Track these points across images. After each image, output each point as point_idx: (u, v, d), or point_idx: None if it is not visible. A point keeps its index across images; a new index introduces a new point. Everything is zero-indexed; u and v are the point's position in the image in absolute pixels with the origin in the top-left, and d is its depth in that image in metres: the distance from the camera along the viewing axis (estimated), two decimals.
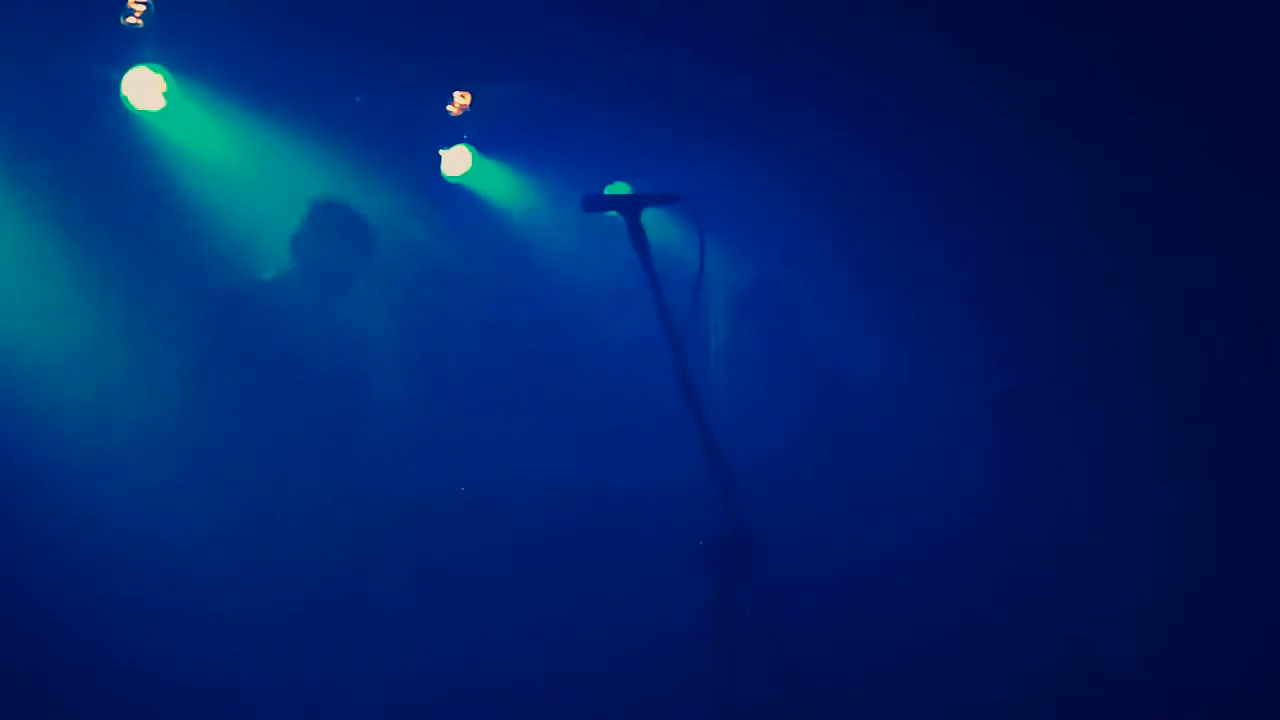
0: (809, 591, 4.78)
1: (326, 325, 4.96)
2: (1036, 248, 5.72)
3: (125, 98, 5.22)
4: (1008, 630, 4.99)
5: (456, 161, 6.16)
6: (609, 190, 6.23)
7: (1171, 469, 5.30)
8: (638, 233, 3.13)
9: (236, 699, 4.58)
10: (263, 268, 5.13)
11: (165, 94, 5.23)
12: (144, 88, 5.20)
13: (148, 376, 5.25)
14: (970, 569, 5.22)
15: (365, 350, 5.12)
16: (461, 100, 5.96)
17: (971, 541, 5.21)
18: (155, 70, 5.20)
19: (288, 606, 4.48)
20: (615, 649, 5.01)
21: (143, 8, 4.99)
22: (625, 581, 5.17)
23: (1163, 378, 5.37)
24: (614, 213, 3.21)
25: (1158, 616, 5.13)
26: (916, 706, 5.03)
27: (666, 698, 4.73)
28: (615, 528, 5.28)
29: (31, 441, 4.97)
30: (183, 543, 4.74)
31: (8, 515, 4.86)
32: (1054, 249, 5.68)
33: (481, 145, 6.18)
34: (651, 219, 3.17)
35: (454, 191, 6.28)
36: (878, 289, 6.43)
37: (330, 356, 4.92)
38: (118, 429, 5.10)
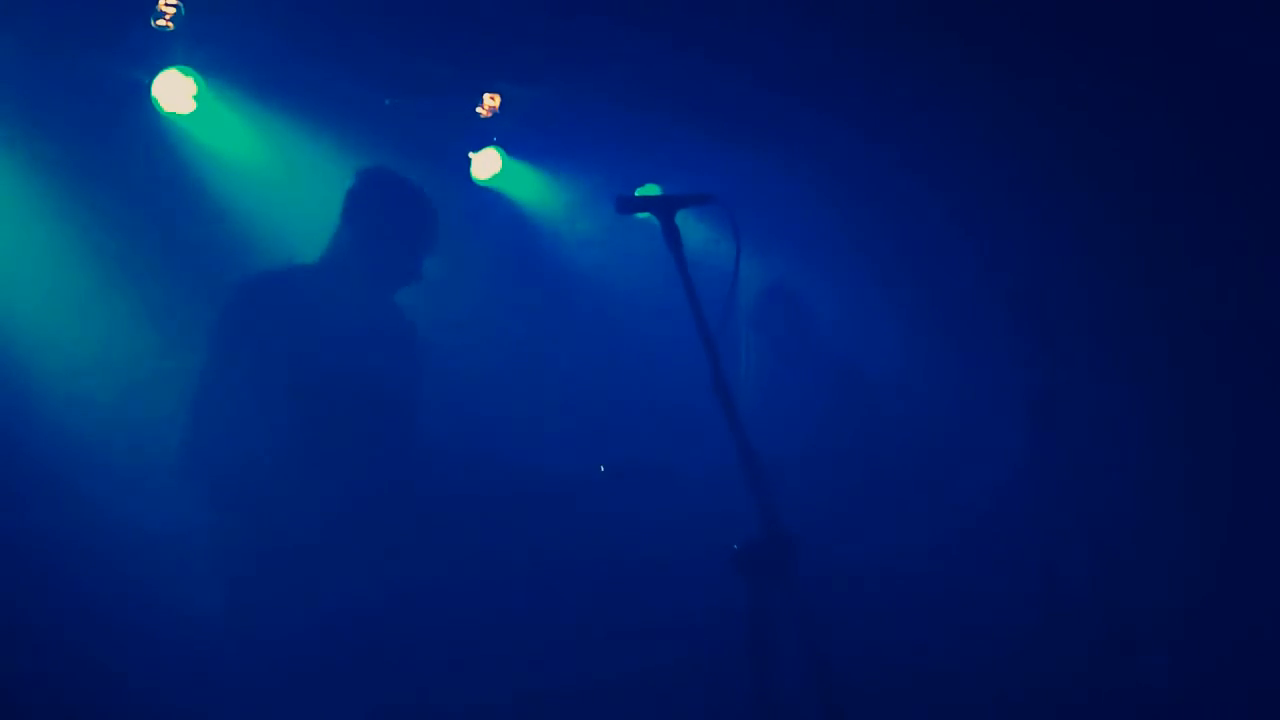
0: (842, 594, 4.76)
1: (372, 322, 4.31)
2: (1064, 247, 5.70)
3: (155, 100, 5.22)
4: (1042, 634, 4.96)
5: (486, 164, 6.14)
6: (640, 192, 6.22)
7: (1207, 471, 5.27)
8: (671, 233, 3.11)
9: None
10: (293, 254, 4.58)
11: (195, 97, 5.23)
12: (174, 90, 5.20)
13: (175, 374, 5.25)
14: (1004, 572, 5.19)
15: (413, 347, 4.53)
16: (491, 102, 5.95)
17: (1005, 543, 5.17)
18: (185, 73, 5.20)
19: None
20: (649, 651, 4.99)
21: (173, 10, 4.99)
22: (658, 584, 5.15)
23: (1197, 378, 5.33)
24: (647, 214, 3.20)
25: (1193, 620, 5.09)
26: (946, 708, 5.01)
27: (700, 698, 4.72)
28: (647, 530, 5.25)
29: (52, 442, 4.98)
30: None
31: (30, 518, 4.87)
32: (1081, 248, 5.66)
33: (511, 148, 6.17)
34: (685, 220, 3.14)
35: (484, 194, 6.26)
36: (907, 292, 6.41)
37: (376, 357, 4.30)
38: (142, 429, 5.11)
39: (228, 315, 4.09)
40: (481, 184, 6.20)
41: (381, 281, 4.33)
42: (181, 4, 5.01)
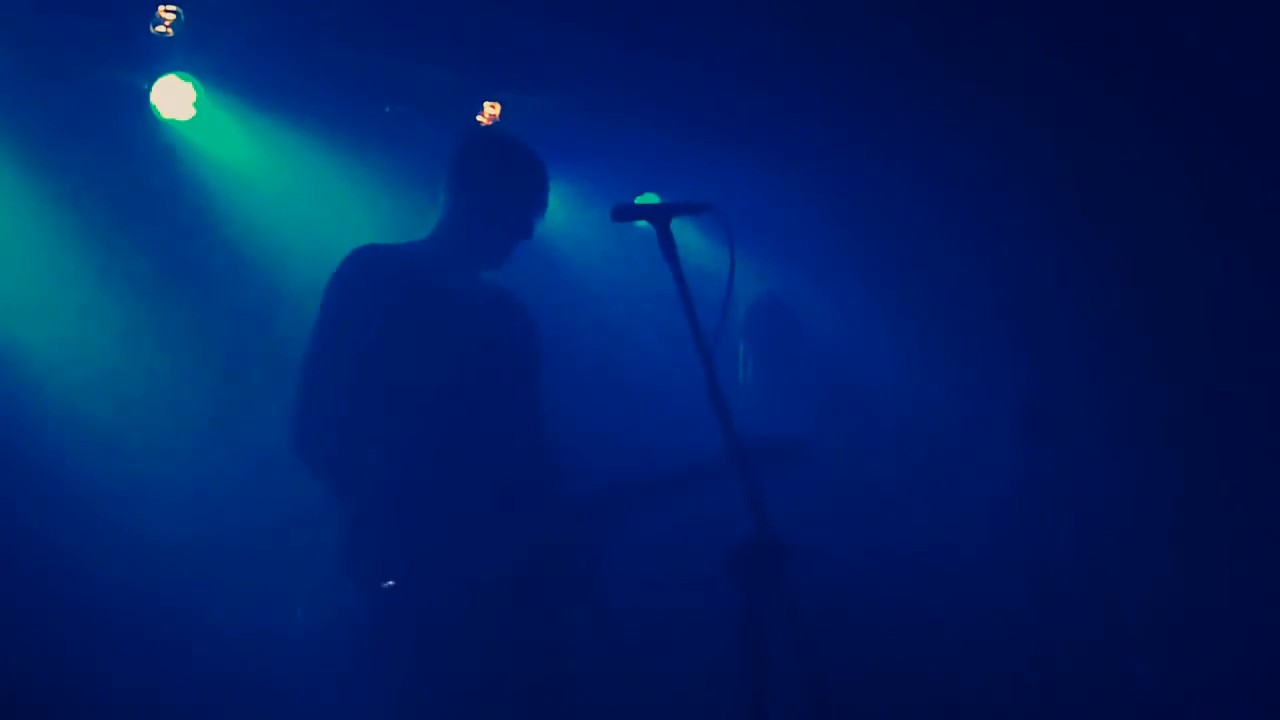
0: (835, 599, 4.77)
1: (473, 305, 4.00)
2: (1056, 252, 5.71)
3: (154, 107, 5.22)
4: (1035, 638, 4.96)
5: None
6: (638, 200, 6.23)
7: (1199, 475, 5.28)
8: (667, 242, 3.13)
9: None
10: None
11: (195, 103, 5.24)
12: (173, 97, 5.21)
13: (175, 382, 5.28)
14: (997, 577, 5.19)
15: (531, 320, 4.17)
16: (491, 111, 5.96)
17: (997, 548, 5.18)
18: (185, 79, 5.21)
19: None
20: (643, 654, 5.00)
21: (172, 17, 5.00)
22: (653, 587, 5.16)
23: (1189, 382, 5.35)
24: (644, 222, 3.20)
25: (1186, 624, 5.10)
26: (939, 710, 5.02)
27: (693, 701, 4.73)
28: (641, 534, 5.26)
29: (51, 444, 4.99)
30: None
31: (32, 526, 4.88)
32: (1073, 253, 5.67)
33: None
34: (681, 228, 3.15)
35: None
36: (898, 299, 6.43)
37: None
38: (142, 432, 5.13)
39: (334, 285, 3.80)
40: None
41: (494, 249, 3.98)
42: (181, 11, 5.02)
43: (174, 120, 5.28)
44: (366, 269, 3.82)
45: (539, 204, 3.99)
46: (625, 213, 3.26)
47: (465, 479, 3.72)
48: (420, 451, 3.72)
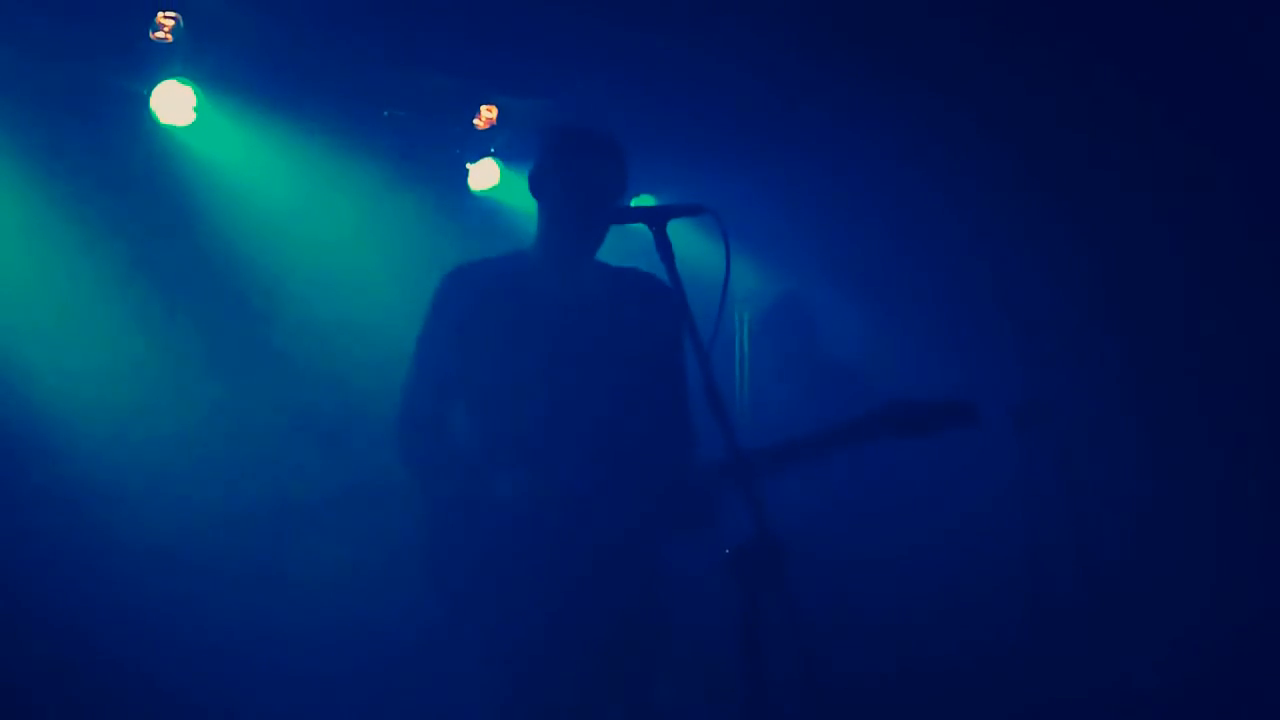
0: (833, 601, 4.78)
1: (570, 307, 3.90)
2: (1056, 254, 5.72)
3: (154, 112, 5.23)
4: (1030, 636, 4.97)
5: (484, 175, 6.17)
6: (634, 203, 6.24)
7: (1193, 473, 5.28)
8: (664, 245, 3.14)
9: None
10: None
11: (194, 108, 5.25)
12: (173, 102, 5.22)
13: (175, 384, 5.30)
14: (992, 575, 5.20)
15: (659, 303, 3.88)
16: (488, 114, 5.98)
17: (993, 547, 5.19)
18: (184, 84, 5.22)
19: None
20: None
21: (171, 23, 5.00)
22: None
23: (1189, 384, 5.35)
24: (640, 225, 3.22)
25: (1185, 632, 5.10)
26: (936, 710, 5.03)
27: (693, 700, 4.73)
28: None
29: (49, 449, 5.01)
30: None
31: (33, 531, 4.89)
32: (1073, 254, 5.68)
33: (508, 158, 6.19)
34: (677, 231, 3.17)
35: (481, 205, 6.29)
36: (901, 299, 6.44)
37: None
38: (139, 437, 5.15)
39: (429, 305, 3.87)
40: (479, 194, 6.23)
41: (581, 239, 3.85)
42: (180, 17, 5.03)
43: (173, 126, 5.29)
44: (448, 287, 3.88)
45: (606, 181, 3.83)
46: (622, 215, 3.28)
47: (544, 479, 3.72)
48: (497, 452, 3.76)
